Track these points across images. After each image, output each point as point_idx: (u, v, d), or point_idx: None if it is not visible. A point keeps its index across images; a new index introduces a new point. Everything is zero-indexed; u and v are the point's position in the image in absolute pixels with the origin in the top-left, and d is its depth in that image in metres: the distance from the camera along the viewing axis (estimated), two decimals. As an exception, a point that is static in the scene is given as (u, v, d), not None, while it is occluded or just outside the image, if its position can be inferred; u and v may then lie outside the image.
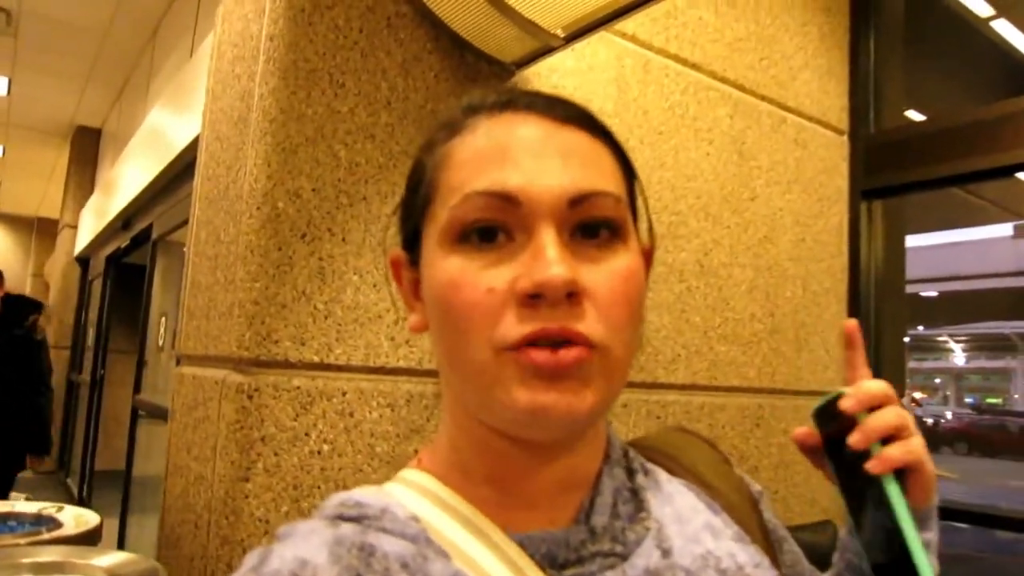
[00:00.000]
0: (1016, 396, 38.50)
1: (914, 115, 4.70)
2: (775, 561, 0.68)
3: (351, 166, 1.72)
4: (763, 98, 2.74)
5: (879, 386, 0.65)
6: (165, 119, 4.24)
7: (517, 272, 0.55)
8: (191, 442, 1.80)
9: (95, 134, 8.58)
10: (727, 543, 0.64)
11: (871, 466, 0.62)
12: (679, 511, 0.65)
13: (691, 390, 2.41)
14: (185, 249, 2.14)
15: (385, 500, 0.61)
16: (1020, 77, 5.58)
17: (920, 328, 33.72)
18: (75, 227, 8.31)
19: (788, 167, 2.79)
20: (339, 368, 1.68)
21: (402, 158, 1.79)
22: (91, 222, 7.28)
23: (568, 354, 0.54)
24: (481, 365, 0.55)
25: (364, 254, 1.73)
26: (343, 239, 1.70)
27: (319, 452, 1.62)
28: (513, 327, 0.54)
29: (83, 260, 8.24)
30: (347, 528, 0.57)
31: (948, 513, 2.76)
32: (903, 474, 0.64)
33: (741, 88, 2.67)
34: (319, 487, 1.62)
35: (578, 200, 0.57)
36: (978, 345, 38.42)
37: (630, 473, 0.66)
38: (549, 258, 0.54)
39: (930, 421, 26.84)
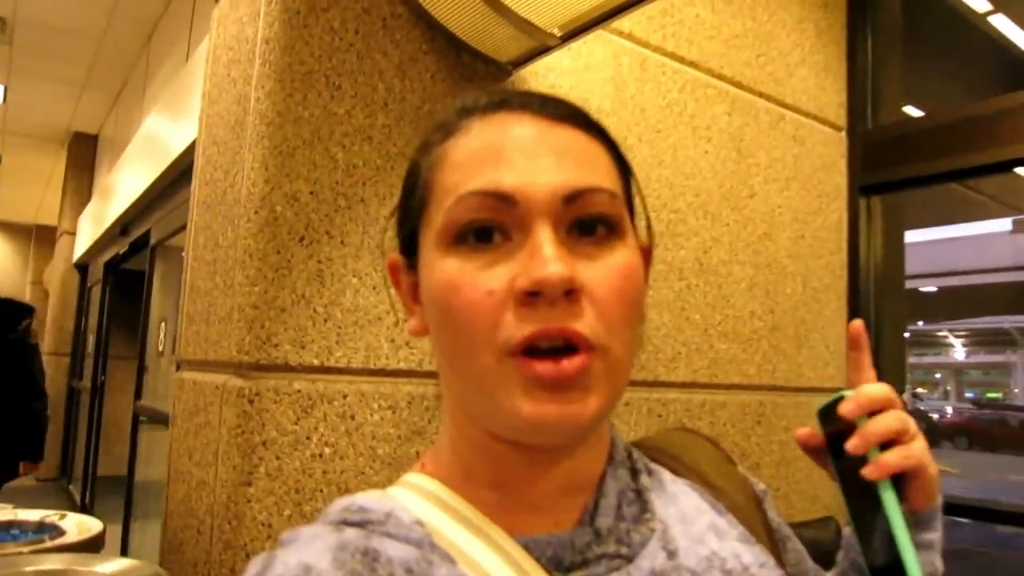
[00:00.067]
0: (1016, 390, 38.55)
1: (912, 111, 4.69)
2: (779, 560, 0.68)
3: (349, 168, 1.72)
4: (761, 95, 2.74)
5: (880, 390, 0.64)
6: (162, 124, 4.23)
7: (515, 271, 0.55)
8: (192, 447, 1.80)
9: (92, 140, 8.58)
10: (732, 544, 0.64)
11: (867, 472, 0.62)
12: (683, 512, 0.65)
13: (692, 388, 2.41)
14: (184, 254, 2.14)
15: (389, 504, 0.60)
16: (1018, 72, 5.58)
17: (920, 323, 33.74)
18: (73, 234, 8.31)
19: (786, 164, 2.79)
20: (340, 371, 1.67)
21: (400, 159, 1.79)
22: (89, 228, 7.27)
23: (571, 364, 0.53)
24: (483, 371, 0.55)
25: (363, 256, 1.72)
26: (342, 242, 1.70)
27: (321, 455, 1.62)
28: (513, 328, 0.54)
29: (82, 267, 8.24)
30: (351, 533, 0.57)
31: (949, 508, 2.74)
32: (902, 478, 0.63)
33: (739, 85, 2.66)
34: (321, 490, 1.61)
35: (573, 197, 0.56)
36: (978, 340, 38.46)
37: (634, 474, 0.65)
38: (546, 256, 0.53)
39: (936, 416, 26.86)
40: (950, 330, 36.56)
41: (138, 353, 4.80)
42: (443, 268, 0.57)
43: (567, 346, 0.54)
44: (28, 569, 1.81)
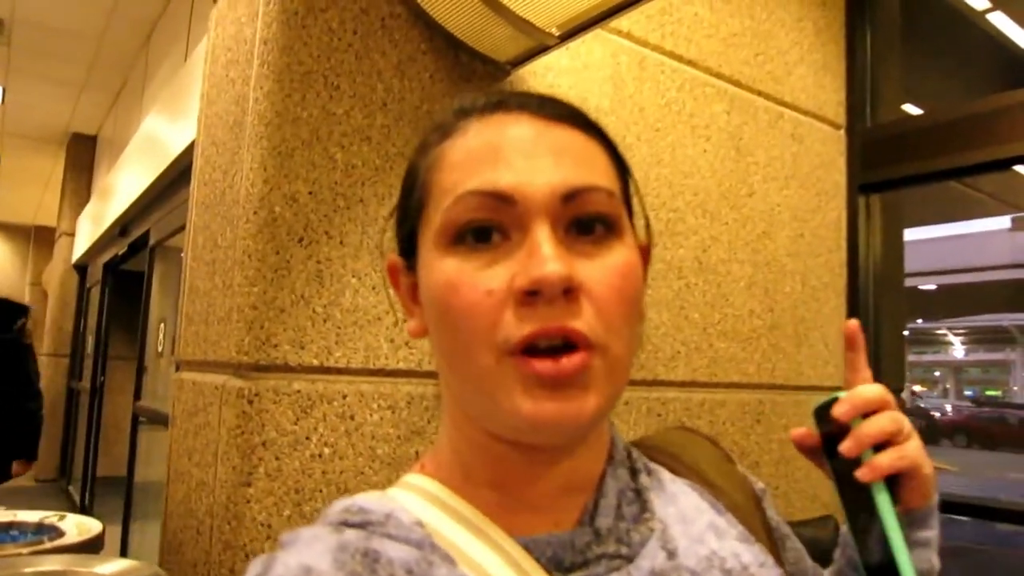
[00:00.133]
0: (1015, 388, 38.57)
1: (911, 109, 4.69)
2: (778, 559, 0.68)
3: (347, 168, 1.72)
4: (759, 93, 2.74)
5: (874, 391, 0.65)
6: (160, 125, 4.23)
7: (514, 271, 0.55)
8: (192, 448, 1.80)
9: (90, 141, 8.57)
10: (731, 543, 0.64)
11: (860, 474, 0.62)
12: (683, 511, 0.65)
13: (691, 387, 2.41)
14: (183, 255, 2.13)
15: (389, 505, 0.60)
16: (1016, 70, 5.58)
17: (919, 321, 33.77)
18: (72, 235, 8.31)
19: (785, 162, 2.79)
20: (339, 371, 1.67)
21: (398, 160, 1.78)
22: (88, 229, 7.27)
23: (570, 362, 0.53)
24: (483, 371, 0.55)
25: (362, 256, 1.72)
26: (341, 242, 1.70)
27: (320, 455, 1.62)
28: (513, 328, 0.54)
29: (81, 267, 8.23)
30: (351, 534, 0.57)
31: (948, 506, 2.76)
32: (897, 477, 0.64)
33: (737, 84, 2.66)
34: (321, 490, 1.61)
35: (571, 195, 0.57)
36: (977, 338, 38.48)
37: (633, 474, 0.65)
38: (544, 254, 0.54)
39: (938, 415, 26.89)
40: (949, 328, 36.58)
41: (137, 354, 4.80)
42: (442, 268, 0.57)
43: (566, 345, 0.54)
44: (27, 570, 1.81)
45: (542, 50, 1.90)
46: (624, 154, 0.66)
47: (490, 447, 0.60)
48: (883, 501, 0.62)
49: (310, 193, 1.66)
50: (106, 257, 6.54)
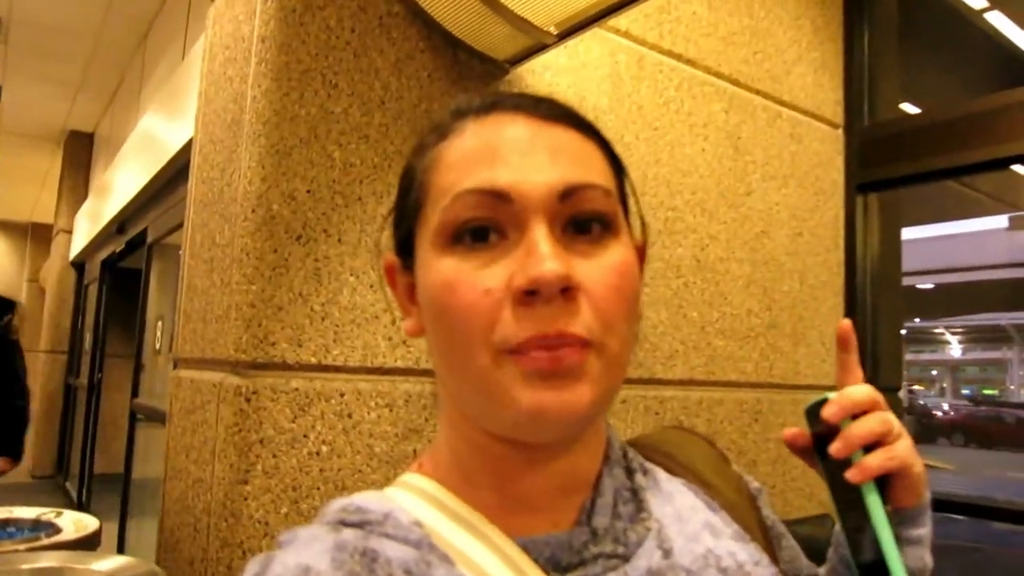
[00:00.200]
0: (1012, 387, 38.62)
1: (909, 108, 4.70)
2: (774, 558, 0.68)
3: (345, 167, 1.72)
4: (758, 92, 2.74)
5: (863, 392, 0.65)
6: (158, 123, 4.23)
7: (512, 270, 0.55)
8: (189, 445, 1.80)
9: (88, 139, 8.56)
10: (727, 542, 0.64)
11: (850, 475, 0.63)
12: (679, 510, 0.65)
13: (689, 385, 2.41)
14: (181, 252, 2.13)
15: (387, 505, 0.60)
16: (1014, 69, 5.59)
17: (916, 320, 33.79)
18: (70, 232, 8.30)
19: (783, 161, 2.80)
20: (337, 369, 1.67)
21: (396, 158, 1.78)
22: (86, 227, 7.27)
23: (564, 355, 0.54)
24: (480, 370, 0.55)
25: (360, 255, 1.72)
26: (339, 240, 1.70)
27: (318, 453, 1.62)
28: (511, 329, 0.54)
29: (78, 265, 8.23)
30: (349, 534, 0.57)
31: (944, 505, 2.77)
32: (887, 477, 0.64)
33: (736, 83, 2.67)
34: (318, 488, 1.61)
35: (568, 193, 0.57)
36: (974, 337, 38.55)
37: (630, 473, 0.66)
38: (542, 253, 0.54)
39: (939, 414, 26.93)
40: (946, 327, 36.63)
41: (135, 351, 4.80)
42: (439, 268, 0.57)
43: (563, 344, 0.54)
44: (24, 567, 1.81)
45: (540, 49, 1.89)
46: (620, 154, 0.66)
47: (488, 446, 0.60)
48: (873, 501, 0.63)
49: (308, 191, 1.66)
50: (104, 254, 6.53)
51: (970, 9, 5.01)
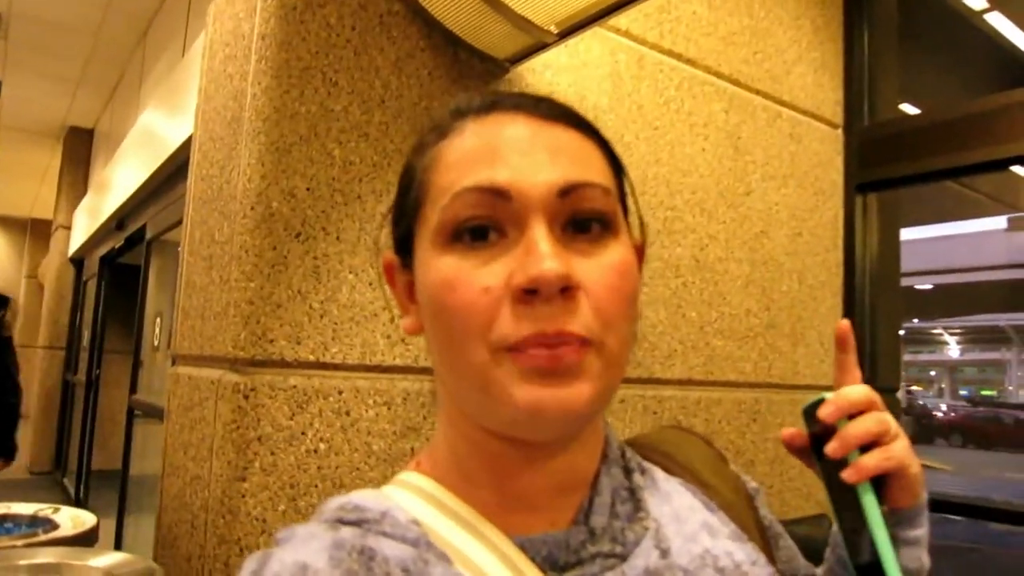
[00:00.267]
0: (1010, 388, 38.66)
1: (908, 108, 4.70)
2: (771, 558, 0.69)
3: (345, 165, 1.72)
4: (757, 92, 2.74)
5: (860, 392, 0.65)
6: (158, 119, 4.22)
7: (511, 268, 0.55)
8: (187, 442, 1.80)
9: (87, 135, 8.55)
10: (724, 542, 0.64)
11: (846, 475, 0.63)
12: (677, 510, 0.65)
13: (687, 385, 2.41)
14: (180, 249, 2.13)
15: (385, 504, 0.60)
16: (1014, 70, 5.59)
17: (915, 321, 33.82)
18: (69, 228, 8.29)
19: (783, 161, 2.80)
20: (335, 367, 1.67)
21: (396, 156, 1.78)
22: (85, 223, 7.26)
23: (562, 352, 0.54)
24: (478, 367, 0.55)
25: (359, 253, 1.72)
26: (338, 238, 1.70)
27: (316, 451, 1.62)
28: (510, 327, 0.54)
29: (77, 261, 8.22)
30: (347, 532, 0.57)
31: (942, 505, 2.77)
32: (884, 477, 0.64)
33: (736, 83, 2.67)
34: (316, 486, 1.61)
35: (567, 191, 0.57)
36: (972, 337, 38.58)
37: (627, 472, 0.66)
38: (542, 252, 0.54)
39: (940, 414, 26.95)
40: (945, 327, 36.66)
41: (133, 348, 4.79)
42: (439, 267, 0.57)
43: (562, 342, 0.54)
44: (21, 563, 1.81)
45: (541, 47, 1.89)
46: (620, 153, 0.66)
47: (486, 444, 0.60)
48: (869, 501, 0.63)
49: (308, 189, 1.66)
50: (103, 251, 6.53)
51: (970, 10, 5.01)
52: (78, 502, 6.30)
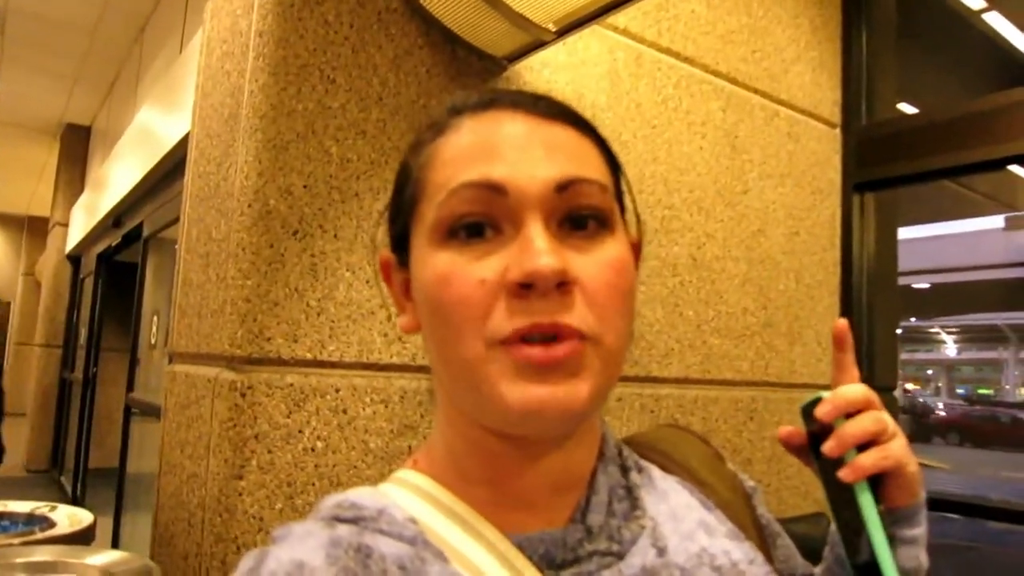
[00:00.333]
0: (1007, 387, 38.71)
1: (906, 108, 4.70)
2: (768, 556, 0.69)
3: (342, 162, 1.72)
4: (755, 91, 2.74)
5: (857, 391, 0.65)
6: (155, 116, 4.21)
7: (507, 262, 0.55)
8: (184, 440, 1.79)
9: (84, 132, 8.53)
10: (721, 540, 0.64)
11: (843, 475, 0.63)
12: (674, 509, 0.65)
13: (684, 384, 2.41)
14: (177, 247, 2.13)
15: (382, 502, 0.60)
16: (1012, 69, 5.60)
17: (912, 320, 33.86)
18: (66, 225, 8.27)
19: (781, 160, 2.80)
20: (332, 365, 1.67)
21: (394, 154, 1.78)
22: (82, 220, 7.24)
23: (560, 348, 0.53)
24: (472, 362, 0.55)
25: (356, 250, 1.72)
26: (335, 235, 1.69)
27: (313, 449, 1.62)
28: (504, 320, 0.54)
29: (74, 258, 8.20)
30: (344, 530, 0.57)
31: (940, 504, 2.78)
32: (881, 476, 0.64)
33: (734, 81, 2.66)
34: (313, 484, 1.61)
35: (564, 186, 0.57)
36: (970, 336, 38.63)
37: (624, 471, 0.66)
38: (538, 248, 0.54)
39: (942, 413, 26.99)
40: (942, 326, 36.71)
41: (130, 345, 4.78)
42: (434, 263, 0.57)
43: (557, 335, 0.54)
44: (18, 561, 1.80)
45: (539, 46, 1.89)
46: (618, 152, 0.66)
47: (483, 442, 0.60)
48: (866, 501, 0.63)
49: (305, 187, 1.66)
50: (100, 248, 6.51)
51: (968, 10, 5.02)
52: (75, 500, 6.29)
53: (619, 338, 0.57)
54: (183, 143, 2.95)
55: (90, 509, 2.58)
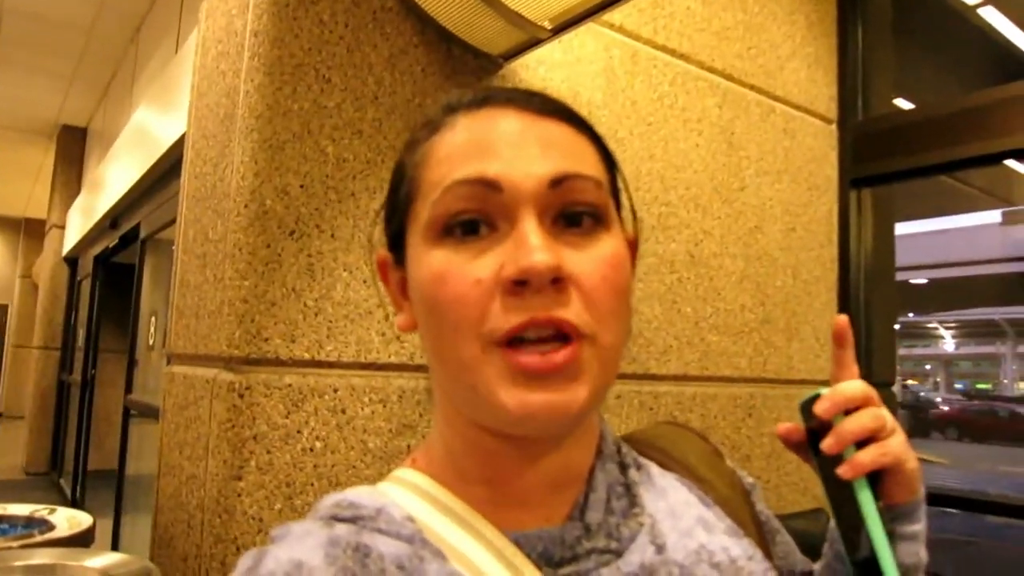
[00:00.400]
0: (1005, 381, 38.77)
1: (903, 103, 4.70)
2: (768, 553, 0.69)
3: (339, 162, 1.71)
4: (751, 87, 2.74)
5: (856, 388, 0.65)
6: (151, 117, 4.21)
7: (502, 260, 0.55)
8: (183, 441, 1.79)
9: (81, 133, 8.52)
10: (720, 537, 0.64)
11: (842, 472, 0.63)
12: (672, 506, 0.65)
13: (683, 381, 2.41)
14: (174, 248, 2.13)
15: (380, 500, 0.60)
16: (1007, 64, 5.60)
17: (910, 315, 33.90)
18: (63, 227, 8.25)
19: (777, 157, 2.80)
20: (330, 365, 1.67)
21: (390, 153, 1.78)
22: (79, 222, 7.23)
23: (557, 356, 0.53)
24: (469, 362, 0.55)
25: (353, 250, 1.72)
26: (332, 235, 1.69)
27: (312, 449, 1.62)
28: (500, 318, 0.54)
29: (71, 260, 8.19)
30: (342, 529, 0.57)
31: (938, 498, 2.78)
32: (880, 472, 0.64)
33: (729, 78, 2.66)
34: (312, 484, 1.61)
35: (559, 180, 0.57)
36: (968, 331, 38.67)
37: (623, 468, 0.66)
38: (533, 244, 0.54)
39: (943, 407, 27.03)
40: (940, 322, 36.76)
41: (128, 347, 4.78)
42: (430, 261, 0.57)
43: (555, 335, 0.54)
44: (17, 564, 1.80)
45: (534, 43, 1.89)
46: (614, 149, 0.66)
47: (480, 441, 0.60)
48: (865, 497, 0.62)
49: (301, 186, 1.66)
50: (97, 250, 6.51)
51: (964, 5, 5.02)
52: (74, 503, 6.29)
53: (615, 336, 0.57)
54: (179, 144, 2.95)
55: (89, 511, 2.57)
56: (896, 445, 0.64)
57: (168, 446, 1.91)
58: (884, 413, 0.64)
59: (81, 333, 7.22)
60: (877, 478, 0.64)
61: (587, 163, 0.60)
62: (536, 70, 2.11)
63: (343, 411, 1.66)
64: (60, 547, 2.05)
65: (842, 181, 3.04)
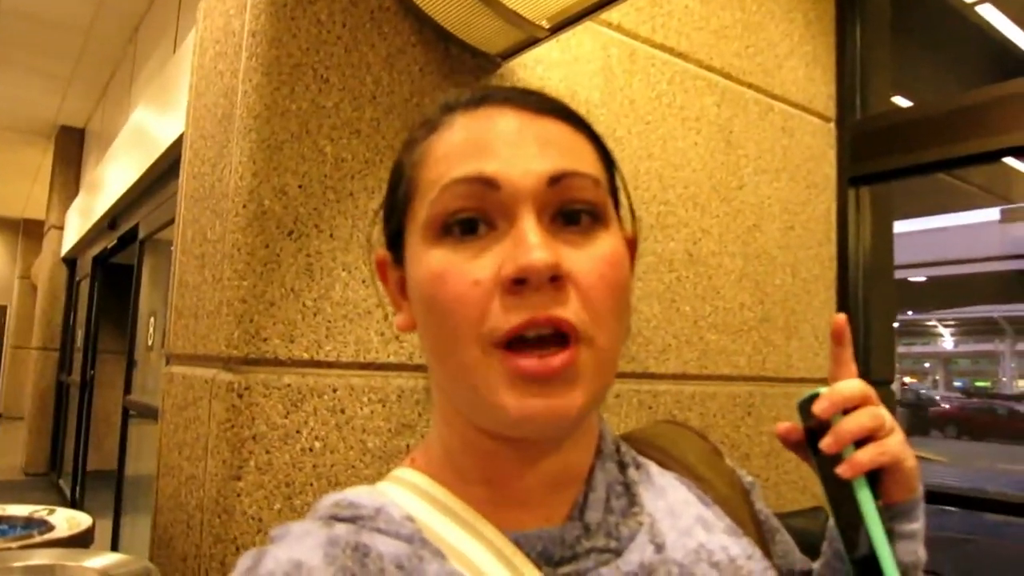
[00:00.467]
0: (1004, 379, 38.81)
1: (901, 101, 4.71)
2: (767, 552, 0.69)
3: (337, 161, 1.71)
4: (750, 86, 2.74)
5: (855, 387, 0.65)
6: (149, 117, 4.20)
7: (501, 260, 0.55)
8: (182, 442, 1.79)
9: (79, 134, 8.51)
10: (719, 536, 0.64)
11: (841, 471, 0.63)
12: (671, 505, 0.65)
13: (682, 380, 2.41)
14: (172, 248, 2.13)
15: (380, 500, 0.60)
16: (1006, 62, 5.60)
17: (909, 313, 33.94)
18: (61, 228, 8.25)
19: (775, 155, 2.80)
20: (329, 365, 1.67)
21: (388, 152, 1.78)
22: (77, 223, 7.23)
23: (555, 360, 0.53)
24: (469, 364, 0.55)
25: (352, 250, 1.72)
26: (331, 235, 1.69)
27: (311, 449, 1.62)
28: (500, 318, 0.54)
29: (70, 261, 8.19)
30: (341, 529, 0.57)
31: (937, 496, 2.79)
32: (879, 471, 0.64)
33: (727, 76, 2.66)
34: (311, 484, 1.61)
35: (557, 178, 0.57)
36: (967, 329, 38.72)
37: (622, 467, 0.66)
38: (531, 243, 0.54)
39: (944, 404, 27.04)
40: (939, 319, 36.81)
41: (127, 347, 4.78)
42: (429, 261, 0.57)
43: (554, 334, 0.54)
44: (16, 564, 1.80)
45: (532, 43, 1.89)
46: (612, 148, 0.66)
47: (479, 442, 0.60)
48: (864, 496, 0.62)
49: (300, 186, 1.66)
50: (95, 250, 6.50)
51: (962, 3, 5.02)
52: (74, 503, 6.29)
53: (613, 337, 0.57)
54: (177, 144, 2.94)
55: (89, 512, 2.57)
56: (894, 444, 0.64)
57: (167, 446, 1.91)
58: (882, 412, 0.64)
59: (80, 334, 7.22)
60: (876, 477, 0.64)
61: (585, 161, 0.60)
62: (534, 69, 2.11)
63: (342, 411, 1.66)
64: (59, 548, 2.05)
65: (840, 179, 3.04)
